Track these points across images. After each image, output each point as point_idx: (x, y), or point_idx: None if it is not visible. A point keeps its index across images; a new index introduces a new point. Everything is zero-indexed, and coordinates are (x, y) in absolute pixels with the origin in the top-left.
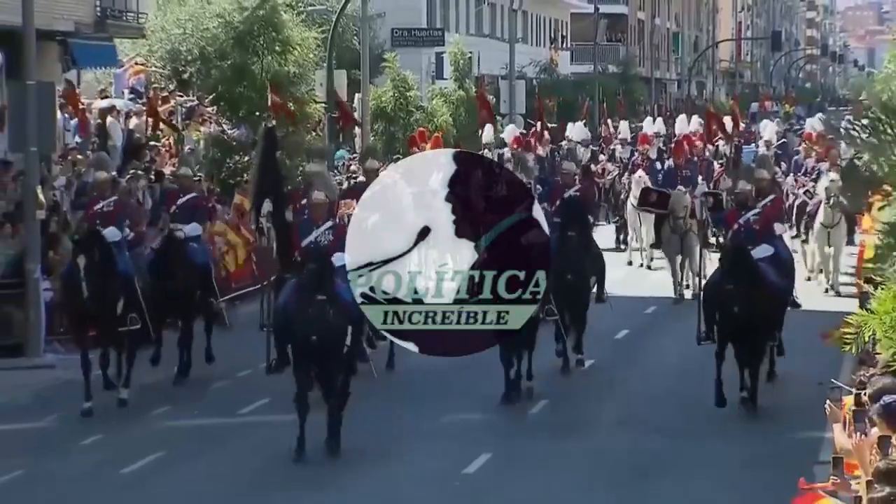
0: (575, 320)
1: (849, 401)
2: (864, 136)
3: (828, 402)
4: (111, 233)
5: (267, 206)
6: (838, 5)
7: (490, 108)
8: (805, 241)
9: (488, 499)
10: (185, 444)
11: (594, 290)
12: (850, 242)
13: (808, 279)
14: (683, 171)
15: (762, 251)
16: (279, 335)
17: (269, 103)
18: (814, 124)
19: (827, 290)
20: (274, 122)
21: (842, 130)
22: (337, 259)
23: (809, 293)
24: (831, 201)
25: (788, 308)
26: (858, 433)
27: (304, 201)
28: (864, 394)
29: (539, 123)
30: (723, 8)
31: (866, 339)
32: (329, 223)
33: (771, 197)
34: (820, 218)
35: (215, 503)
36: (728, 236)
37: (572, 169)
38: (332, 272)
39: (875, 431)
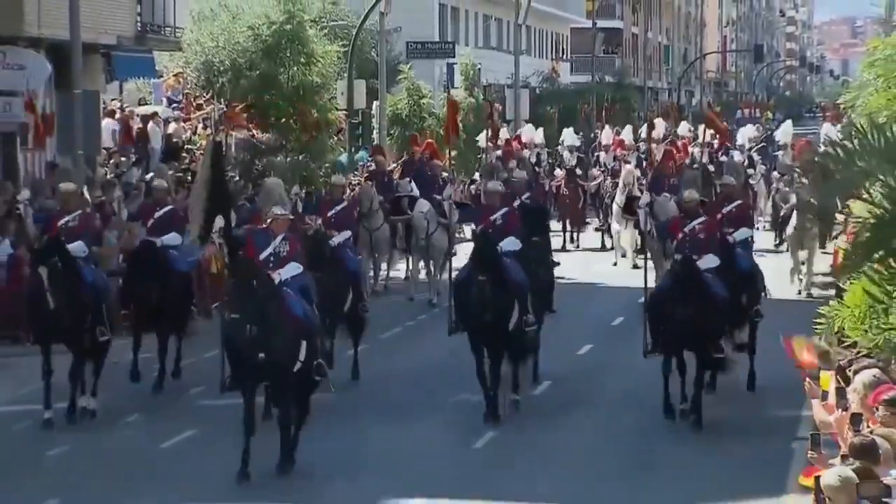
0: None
1: (825, 379)
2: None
3: (807, 379)
4: (77, 248)
5: (219, 221)
6: (815, 20)
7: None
8: (779, 245)
9: (497, 471)
10: (217, 422)
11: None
12: (823, 247)
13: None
14: (671, 179)
15: (708, 262)
16: (230, 352)
17: (225, 116)
18: (785, 130)
19: (799, 292)
20: (222, 137)
21: (822, 137)
22: (288, 270)
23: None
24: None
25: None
26: (840, 409)
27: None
28: (849, 370)
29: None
30: (709, 23)
31: (836, 329)
32: (282, 235)
33: (737, 202)
34: (793, 222)
35: (257, 474)
36: (672, 247)
37: (522, 177)
38: (271, 289)
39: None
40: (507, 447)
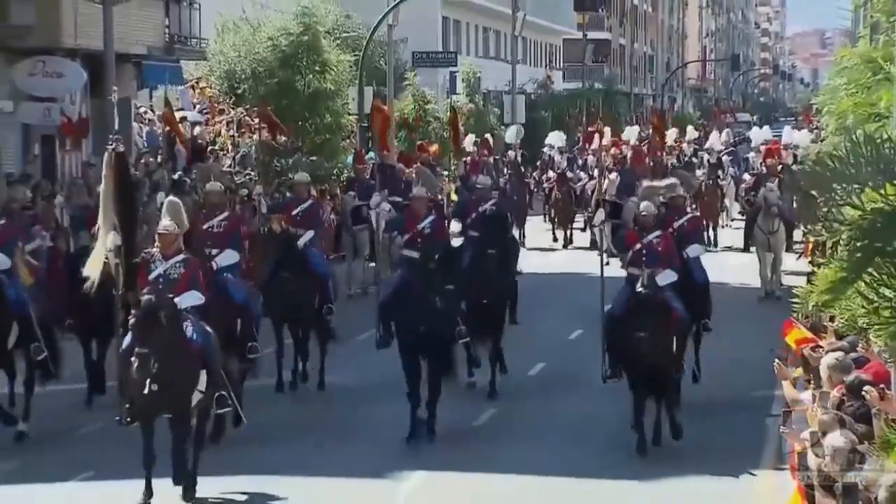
0: (494, 340)
1: (798, 371)
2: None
3: (776, 361)
4: None
5: (114, 238)
6: (787, 32)
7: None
8: (746, 250)
9: (495, 447)
10: (245, 396)
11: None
12: (790, 249)
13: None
14: (641, 181)
15: (666, 277)
16: (124, 382)
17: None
18: (764, 136)
19: (766, 295)
20: (122, 148)
21: (783, 140)
22: (187, 298)
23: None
24: (772, 209)
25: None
26: (813, 388)
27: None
28: (823, 351)
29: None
30: (690, 35)
31: (810, 308)
32: (181, 256)
33: (688, 216)
34: (760, 225)
35: (266, 451)
36: (627, 259)
37: (487, 183)
38: (157, 320)
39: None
40: (505, 425)
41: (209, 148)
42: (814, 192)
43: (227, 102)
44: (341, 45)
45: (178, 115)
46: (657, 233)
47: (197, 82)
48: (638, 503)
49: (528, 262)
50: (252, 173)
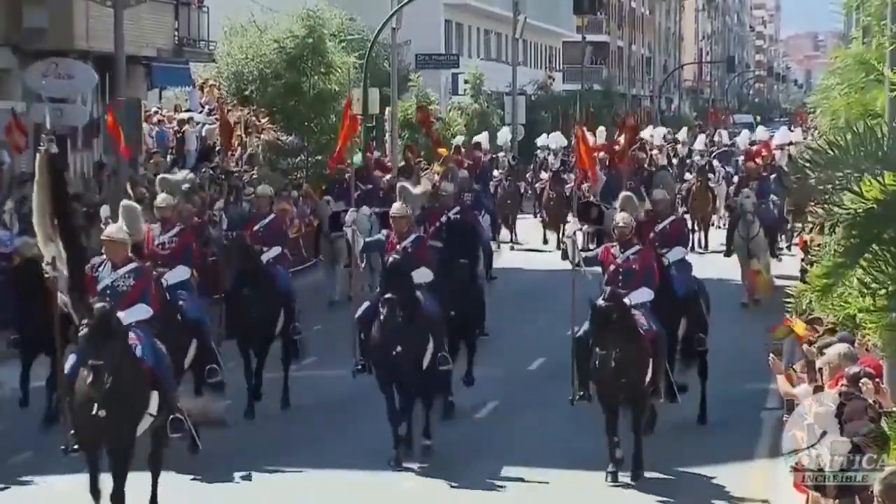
0: (469, 348)
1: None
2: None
3: (771, 356)
4: None
5: (53, 249)
6: (781, 34)
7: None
8: (728, 255)
9: (497, 436)
10: (244, 394)
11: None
12: (773, 254)
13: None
14: (628, 183)
15: (640, 296)
16: (71, 407)
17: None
18: (751, 137)
19: (745, 304)
20: (56, 149)
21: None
22: (133, 313)
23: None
24: (748, 215)
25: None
26: (811, 382)
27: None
28: (814, 346)
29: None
30: (686, 37)
31: (804, 305)
32: (132, 265)
33: (671, 219)
34: (738, 231)
35: (264, 450)
36: (603, 279)
37: (450, 191)
38: (111, 331)
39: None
40: (506, 418)
41: (217, 148)
42: (811, 180)
43: (234, 104)
44: (346, 48)
45: (185, 115)
46: (635, 248)
47: (205, 83)
48: (635, 495)
49: (525, 261)
50: (254, 173)
